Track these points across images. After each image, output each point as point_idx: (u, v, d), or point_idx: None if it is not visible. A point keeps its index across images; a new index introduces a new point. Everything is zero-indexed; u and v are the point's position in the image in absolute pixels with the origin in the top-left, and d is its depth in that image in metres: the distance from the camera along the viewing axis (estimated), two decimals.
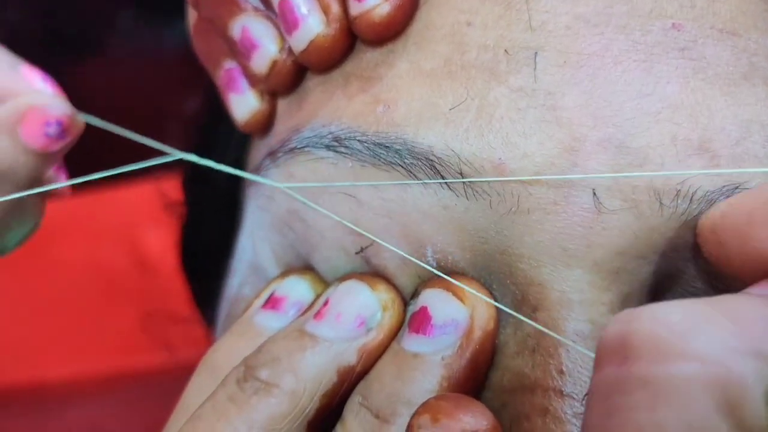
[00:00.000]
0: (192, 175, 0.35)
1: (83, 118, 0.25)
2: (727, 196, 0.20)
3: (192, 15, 0.27)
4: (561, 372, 0.20)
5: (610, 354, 0.16)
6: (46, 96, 0.25)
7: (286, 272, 0.25)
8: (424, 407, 0.19)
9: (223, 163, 0.31)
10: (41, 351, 0.57)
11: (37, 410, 0.56)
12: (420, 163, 0.21)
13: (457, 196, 0.21)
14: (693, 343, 0.15)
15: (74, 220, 0.59)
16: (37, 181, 0.25)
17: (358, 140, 0.22)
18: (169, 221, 0.38)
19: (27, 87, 0.27)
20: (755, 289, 0.17)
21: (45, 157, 0.25)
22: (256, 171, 0.26)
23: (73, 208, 0.59)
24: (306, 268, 0.25)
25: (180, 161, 0.26)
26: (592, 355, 0.20)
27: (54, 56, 0.69)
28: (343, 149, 0.22)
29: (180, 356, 0.49)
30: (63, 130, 0.24)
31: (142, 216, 0.57)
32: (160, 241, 0.56)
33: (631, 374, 0.15)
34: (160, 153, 0.28)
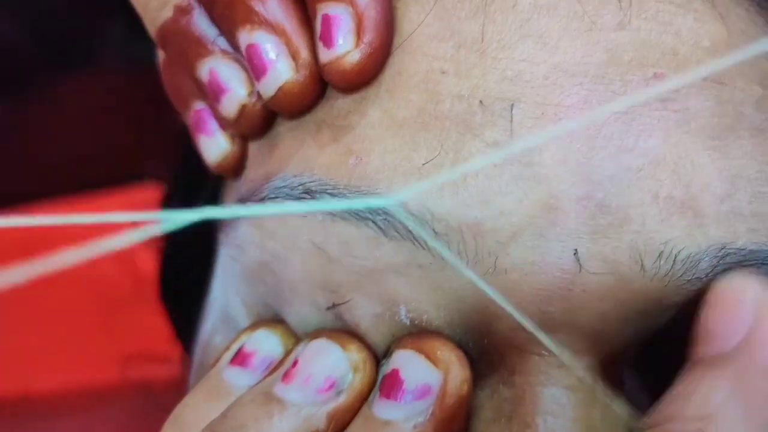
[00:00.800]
0: (172, 200, 0.35)
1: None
2: (712, 257, 0.20)
3: (161, 54, 0.26)
4: None
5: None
6: None
7: (256, 324, 0.24)
8: None
9: (202, 196, 0.30)
10: (29, 362, 0.57)
11: (24, 422, 0.56)
12: (392, 220, 0.21)
13: (433, 255, 0.20)
14: None
15: (64, 231, 0.59)
16: None
17: (329, 193, 0.21)
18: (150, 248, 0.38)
19: None
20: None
21: None
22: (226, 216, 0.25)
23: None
24: (276, 320, 0.24)
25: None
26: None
27: (44, 67, 0.68)
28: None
29: (169, 371, 0.49)
30: None
31: (135, 227, 0.56)
32: (153, 253, 0.55)
33: None
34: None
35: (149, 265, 0.56)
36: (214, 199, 0.29)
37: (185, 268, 0.33)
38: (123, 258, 0.58)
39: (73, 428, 0.56)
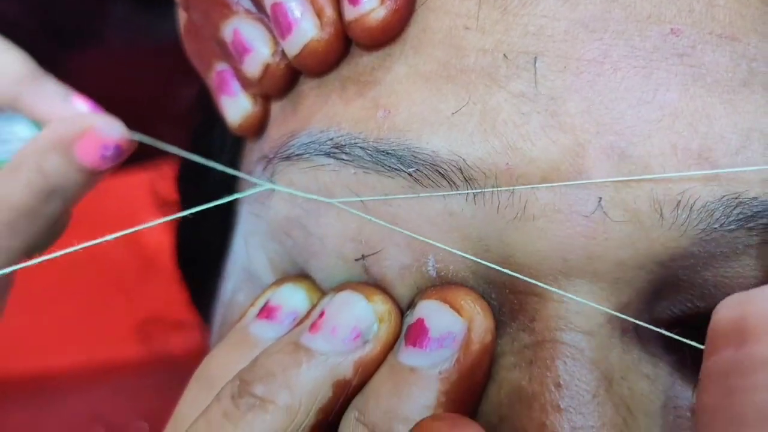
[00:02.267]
0: (185, 174, 0.35)
1: (136, 138, 0.26)
2: (726, 206, 0.20)
3: (182, 16, 0.27)
4: (558, 385, 0.20)
5: (726, 337, 0.16)
6: (104, 119, 0.26)
7: (281, 280, 0.24)
8: (419, 428, 0.18)
9: (218, 161, 0.30)
10: (42, 340, 0.57)
11: (37, 399, 0.56)
12: (425, 169, 0.21)
13: (465, 201, 0.21)
14: None
15: (76, 211, 0.59)
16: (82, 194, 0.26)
17: (360, 147, 0.22)
18: (170, 211, 0.38)
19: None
20: None
21: (95, 175, 0.26)
22: (250, 175, 0.25)
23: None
24: (302, 275, 0.24)
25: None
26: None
27: (50, 47, 0.68)
28: (344, 156, 0.22)
29: (180, 347, 0.49)
30: (119, 152, 0.25)
31: (143, 206, 0.56)
32: (160, 231, 0.55)
33: (750, 356, 0.15)
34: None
35: (156, 238, 0.57)
36: (233, 162, 0.29)
37: (202, 235, 0.34)
38: (132, 238, 0.58)
39: (84, 405, 0.56)
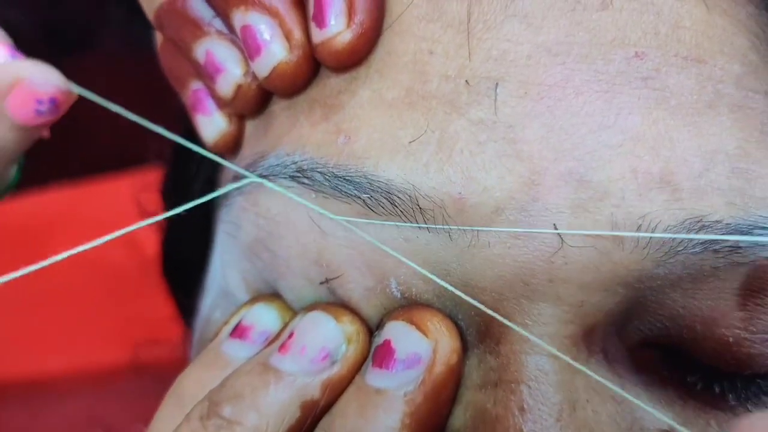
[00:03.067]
0: (170, 185, 0.35)
1: (76, 90, 0.23)
2: (688, 230, 0.20)
3: (158, 36, 0.27)
4: (522, 409, 0.20)
5: None
6: (37, 68, 0.22)
7: (254, 299, 0.25)
8: None
9: (197, 179, 0.31)
10: (39, 344, 0.58)
11: (35, 402, 0.57)
12: (379, 197, 0.21)
13: (419, 229, 0.21)
14: None
15: (71, 214, 0.59)
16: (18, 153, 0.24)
17: (319, 172, 0.22)
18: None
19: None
20: None
21: (33, 131, 0.23)
22: (224, 196, 0.26)
23: (70, 201, 0.59)
24: (274, 295, 0.24)
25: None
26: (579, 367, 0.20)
27: (48, 51, 0.69)
28: (305, 180, 0.22)
29: (179, 351, 0.49)
30: (56, 106, 0.22)
31: (132, 211, 0.57)
32: (158, 234, 0.56)
33: None
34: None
35: (155, 248, 0.57)
36: (211, 179, 0.29)
37: (186, 246, 0.34)
38: (129, 242, 0.59)
39: (82, 408, 0.57)
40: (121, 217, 0.60)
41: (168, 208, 0.36)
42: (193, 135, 0.34)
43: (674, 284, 0.21)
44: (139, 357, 0.56)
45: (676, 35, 0.21)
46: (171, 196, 0.35)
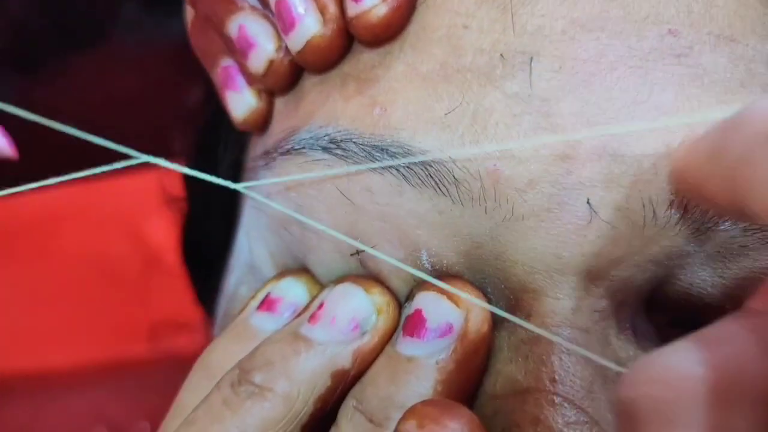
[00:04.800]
0: (195, 169, 0.35)
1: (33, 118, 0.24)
2: None
3: (189, 12, 0.27)
4: (553, 380, 0.20)
5: (623, 421, 0.16)
6: None
7: (282, 273, 0.25)
8: (411, 412, 0.19)
9: (224, 161, 0.31)
10: (44, 339, 0.58)
11: (39, 398, 0.57)
12: (415, 167, 0.21)
13: (453, 202, 0.21)
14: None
15: (77, 209, 0.60)
16: None
17: (354, 142, 0.22)
18: (173, 209, 0.38)
19: None
20: (753, 303, 0.17)
21: None
22: (252, 170, 0.26)
23: (76, 198, 0.59)
24: (302, 269, 0.25)
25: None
26: (587, 354, 0.20)
27: (58, 47, 0.69)
28: (339, 151, 0.22)
29: (183, 346, 0.49)
30: None
31: (145, 205, 0.57)
32: (163, 230, 0.56)
33: None
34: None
35: (160, 237, 0.57)
36: (237, 162, 0.30)
37: (208, 228, 0.34)
38: (135, 236, 0.59)
39: (88, 402, 0.57)
40: (128, 212, 0.60)
41: (191, 190, 0.36)
42: (206, 130, 0.34)
43: (703, 262, 0.21)
44: (144, 353, 0.56)
45: (709, 14, 0.21)
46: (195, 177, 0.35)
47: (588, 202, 0.20)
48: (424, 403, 0.19)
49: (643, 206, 0.20)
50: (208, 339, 0.39)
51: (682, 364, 0.16)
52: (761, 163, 0.15)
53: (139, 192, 0.56)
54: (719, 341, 0.16)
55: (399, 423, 0.19)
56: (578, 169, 0.20)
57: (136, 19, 0.70)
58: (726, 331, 0.16)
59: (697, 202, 0.20)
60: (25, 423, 0.56)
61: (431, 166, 0.21)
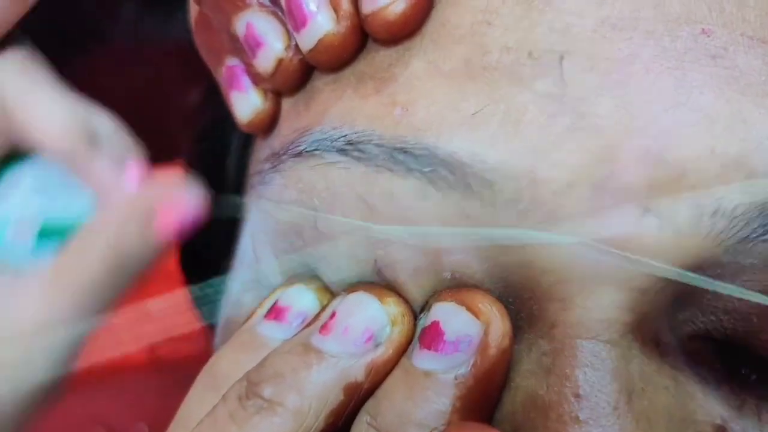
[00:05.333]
0: (194, 173, 0.34)
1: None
2: (765, 216, 0.19)
3: (194, 9, 0.26)
4: (578, 396, 0.19)
5: None
6: (186, 189, 0.25)
7: (290, 280, 0.24)
8: None
9: (226, 164, 0.30)
10: None
11: None
12: (442, 170, 0.20)
13: (483, 205, 0.20)
14: None
15: None
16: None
17: (375, 144, 0.21)
18: None
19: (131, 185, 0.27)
20: None
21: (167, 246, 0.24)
22: (258, 173, 0.25)
23: None
24: (311, 277, 0.24)
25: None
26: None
27: (56, 47, 0.68)
28: (357, 153, 0.21)
29: (181, 349, 0.49)
30: (197, 223, 0.25)
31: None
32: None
33: None
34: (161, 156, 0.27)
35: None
36: (239, 175, 0.29)
37: (206, 234, 0.33)
38: None
39: (86, 404, 0.56)
40: None
41: None
42: (207, 132, 0.33)
43: (735, 274, 0.20)
44: (143, 356, 0.55)
45: (741, 14, 0.21)
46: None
47: (634, 209, 0.19)
48: (460, 426, 0.19)
49: (689, 213, 0.19)
50: (205, 343, 0.39)
51: None
52: None
53: None
54: None
55: None
56: (620, 172, 0.19)
57: (136, 19, 0.69)
58: None
59: None
60: None
61: (462, 168, 0.20)
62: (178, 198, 0.23)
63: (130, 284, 0.25)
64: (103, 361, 0.56)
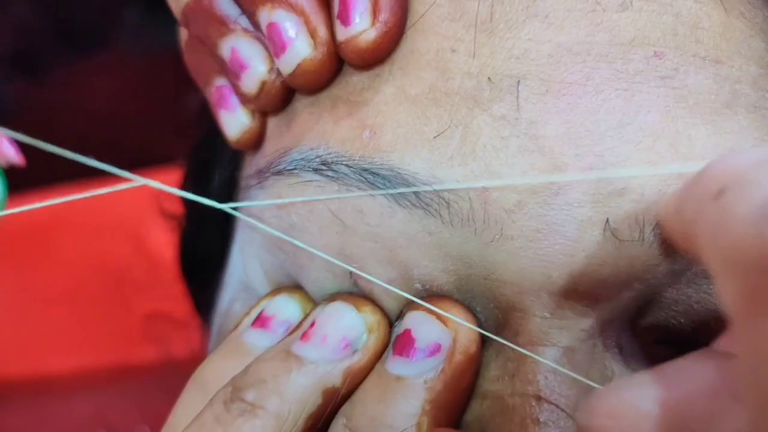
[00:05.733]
0: (190, 183, 0.35)
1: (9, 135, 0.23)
2: None
3: (183, 32, 0.27)
4: (539, 399, 0.21)
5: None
6: None
7: (276, 291, 0.25)
8: None
9: (218, 177, 0.31)
10: (45, 343, 0.58)
11: (40, 401, 0.57)
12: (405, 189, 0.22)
13: (443, 223, 0.21)
14: None
15: (78, 214, 0.60)
16: None
17: (345, 164, 0.22)
18: (173, 215, 0.38)
19: None
20: (720, 343, 0.17)
21: None
22: (245, 189, 0.26)
23: (77, 202, 0.59)
24: (296, 286, 0.25)
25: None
26: (572, 375, 0.21)
27: (60, 51, 0.69)
28: (330, 173, 0.23)
29: (182, 350, 0.50)
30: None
31: (147, 210, 0.57)
32: (164, 235, 0.56)
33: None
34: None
35: (162, 247, 0.57)
36: (232, 177, 0.30)
37: (205, 242, 0.34)
38: (136, 241, 0.59)
39: (88, 405, 0.57)
40: (124, 217, 0.60)
41: (187, 205, 0.36)
42: (204, 140, 0.34)
43: (689, 280, 0.21)
44: (145, 357, 0.56)
45: (694, 36, 0.22)
46: (191, 191, 0.36)
47: (578, 222, 0.21)
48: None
49: (629, 226, 0.21)
50: (207, 344, 0.40)
51: (637, 400, 0.16)
52: (703, 222, 0.16)
53: (140, 197, 0.56)
54: (677, 380, 0.16)
55: None
56: (566, 189, 0.21)
57: (138, 24, 0.70)
58: (687, 370, 0.17)
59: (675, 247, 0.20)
60: (25, 427, 0.56)
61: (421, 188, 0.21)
62: None
63: None
64: (104, 362, 0.57)
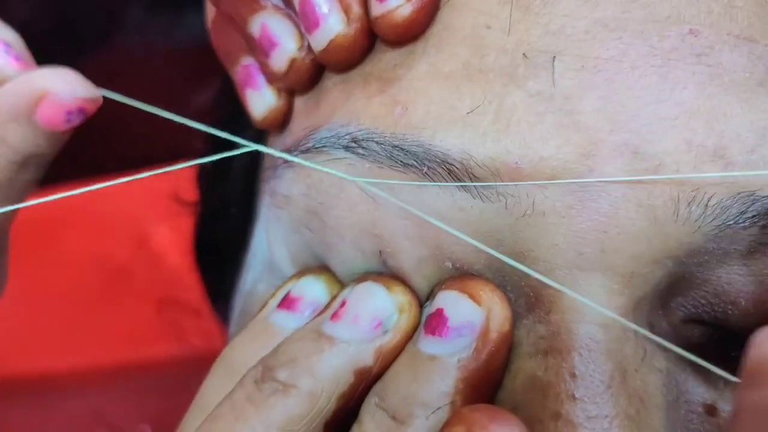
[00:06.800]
0: (207, 168, 0.35)
1: (101, 93, 0.24)
2: (741, 203, 0.21)
3: (210, 10, 0.27)
4: (573, 375, 0.20)
5: (752, 376, 0.16)
6: (60, 78, 0.23)
7: (302, 272, 0.25)
8: (458, 418, 0.19)
9: (236, 161, 0.31)
10: (46, 342, 0.58)
11: (40, 400, 0.57)
12: (435, 166, 0.21)
13: (473, 198, 0.21)
14: None
15: (82, 212, 0.60)
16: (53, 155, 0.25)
17: (376, 142, 0.22)
18: (177, 213, 0.38)
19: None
20: None
21: (65, 135, 0.24)
22: (272, 169, 0.26)
23: (81, 200, 0.59)
24: (322, 267, 0.25)
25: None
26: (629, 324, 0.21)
27: (64, 49, 0.69)
28: (360, 150, 0.22)
29: (185, 347, 0.50)
30: (85, 114, 0.24)
31: (150, 208, 0.57)
32: (167, 233, 0.56)
33: None
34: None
35: (165, 242, 0.57)
36: (254, 157, 0.30)
37: (222, 226, 0.34)
38: (138, 240, 0.59)
39: (89, 405, 0.56)
40: (133, 214, 0.60)
41: (204, 193, 0.36)
42: (223, 125, 0.34)
43: (721, 260, 0.21)
44: (145, 356, 0.56)
45: (729, 14, 0.22)
46: (208, 176, 0.35)
47: (612, 199, 0.20)
48: (472, 408, 0.19)
49: (664, 203, 0.20)
50: (211, 342, 0.39)
51: None
52: None
53: (144, 194, 0.56)
54: None
55: (446, 427, 0.19)
56: (600, 165, 0.21)
57: (142, 22, 0.70)
58: None
59: None
60: (26, 425, 0.56)
61: (452, 164, 0.21)
62: (56, 89, 0.23)
63: (31, 176, 0.25)
64: (106, 361, 0.57)
